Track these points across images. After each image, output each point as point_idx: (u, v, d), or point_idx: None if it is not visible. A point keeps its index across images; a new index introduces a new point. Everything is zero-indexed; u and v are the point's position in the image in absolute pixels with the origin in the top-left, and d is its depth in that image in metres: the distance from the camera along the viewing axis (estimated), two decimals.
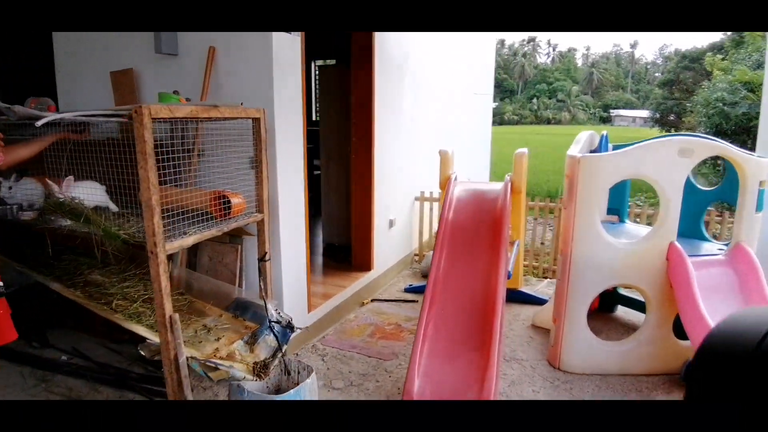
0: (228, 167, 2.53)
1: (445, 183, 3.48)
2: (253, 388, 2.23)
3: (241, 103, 2.38)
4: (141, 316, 2.33)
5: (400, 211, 4.64)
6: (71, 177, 2.22)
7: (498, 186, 3.25)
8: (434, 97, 5.24)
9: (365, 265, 4.17)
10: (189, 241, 2.01)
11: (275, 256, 2.92)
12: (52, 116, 2.02)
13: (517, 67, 66.53)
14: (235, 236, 2.92)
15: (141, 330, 2.09)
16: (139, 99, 3.06)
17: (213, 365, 1.99)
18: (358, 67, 3.82)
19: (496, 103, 61.70)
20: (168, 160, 2.04)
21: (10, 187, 2.32)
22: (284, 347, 2.37)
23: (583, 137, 3.09)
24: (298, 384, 2.27)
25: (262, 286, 2.53)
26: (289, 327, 2.44)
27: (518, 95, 64.41)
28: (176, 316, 1.94)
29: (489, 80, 7.71)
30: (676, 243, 2.64)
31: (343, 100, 4.31)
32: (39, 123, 2.01)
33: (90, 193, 2.26)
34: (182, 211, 2.33)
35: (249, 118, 2.31)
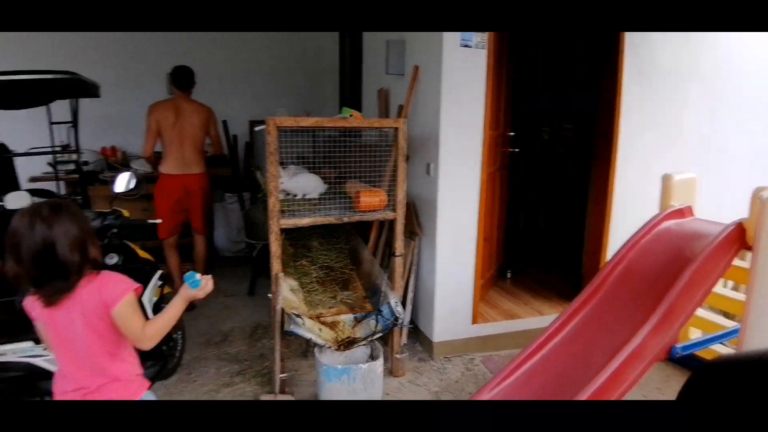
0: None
1: None
2: (340, 361, 2.63)
3: (350, 114, 2.70)
4: (306, 275, 3.07)
5: None
6: (293, 165, 3.05)
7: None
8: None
9: None
10: (304, 221, 2.58)
11: (431, 257, 3.11)
12: None
13: None
14: (414, 234, 3.27)
15: (288, 283, 2.81)
16: (388, 110, 3.77)
17: (298, 322, 2.52)
18: (606, 77, 3.32)
19: None
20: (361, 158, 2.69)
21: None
22: (378, 334, 2.63)
23: None
24: None
25: (388, 279, 2.83)
26: (394, 320, 2.67)
27: None
28: (281, 274, 2.56)
29: None
30: None
31: None
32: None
33: (300, 181, 3.06)
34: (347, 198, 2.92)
35: (386, 127, 2.64)
